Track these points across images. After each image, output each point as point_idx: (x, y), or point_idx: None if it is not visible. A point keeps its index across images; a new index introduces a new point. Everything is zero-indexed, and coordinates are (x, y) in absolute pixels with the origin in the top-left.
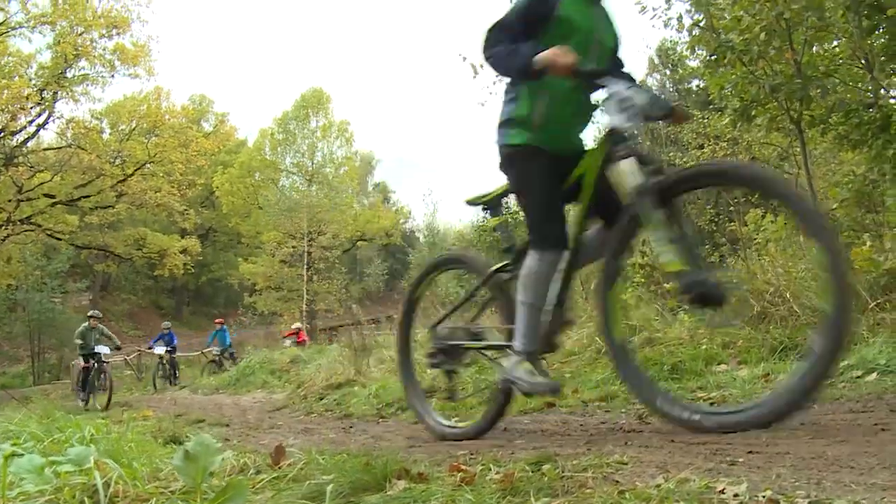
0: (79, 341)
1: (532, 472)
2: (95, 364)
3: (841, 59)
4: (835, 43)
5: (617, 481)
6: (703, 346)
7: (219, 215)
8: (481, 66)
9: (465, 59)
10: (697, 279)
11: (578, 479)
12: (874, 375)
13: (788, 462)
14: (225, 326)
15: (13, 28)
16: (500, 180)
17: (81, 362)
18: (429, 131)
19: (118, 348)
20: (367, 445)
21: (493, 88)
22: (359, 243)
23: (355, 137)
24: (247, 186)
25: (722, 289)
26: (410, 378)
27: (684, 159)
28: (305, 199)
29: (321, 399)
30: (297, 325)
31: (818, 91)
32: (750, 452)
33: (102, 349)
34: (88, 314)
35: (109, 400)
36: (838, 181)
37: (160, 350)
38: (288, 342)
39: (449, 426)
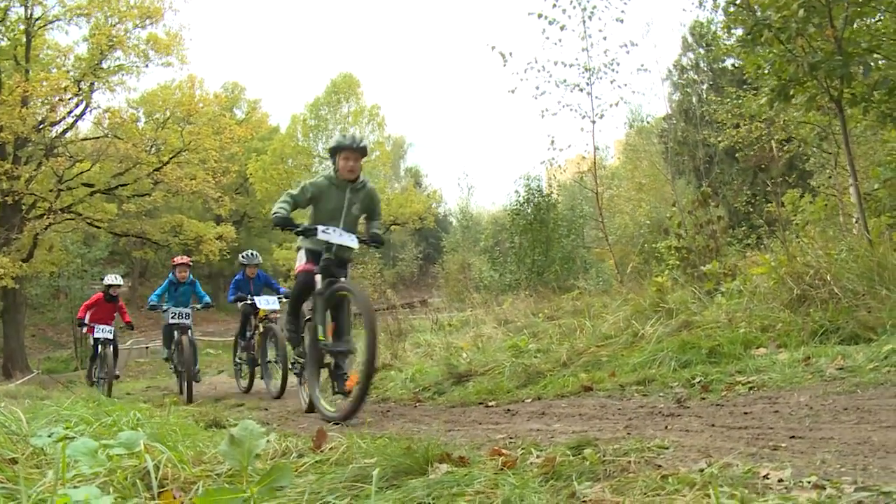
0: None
1: (573, 456)
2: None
3: (884, 34)
4: (878, 17)
5: (659, 466)
6: (742, 330)
7: (253, 201)
8: (510, 55)
9: (493, 48)
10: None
11: (620, 463)
12: None
13: (833, 447)
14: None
15: (51, 21)
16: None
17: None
18: (458, 116)
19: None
20: (406, 429)
21: (523, 76)
22: (392, 227)
23: (386, 122)
24: (280, 173)
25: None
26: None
27: (720, 139)
28: None
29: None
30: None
31: (860, 68)
32: (793, 437)
33: (267, 303)
34: (241, 259)
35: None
36: (881, 160)
37: (271, 304)
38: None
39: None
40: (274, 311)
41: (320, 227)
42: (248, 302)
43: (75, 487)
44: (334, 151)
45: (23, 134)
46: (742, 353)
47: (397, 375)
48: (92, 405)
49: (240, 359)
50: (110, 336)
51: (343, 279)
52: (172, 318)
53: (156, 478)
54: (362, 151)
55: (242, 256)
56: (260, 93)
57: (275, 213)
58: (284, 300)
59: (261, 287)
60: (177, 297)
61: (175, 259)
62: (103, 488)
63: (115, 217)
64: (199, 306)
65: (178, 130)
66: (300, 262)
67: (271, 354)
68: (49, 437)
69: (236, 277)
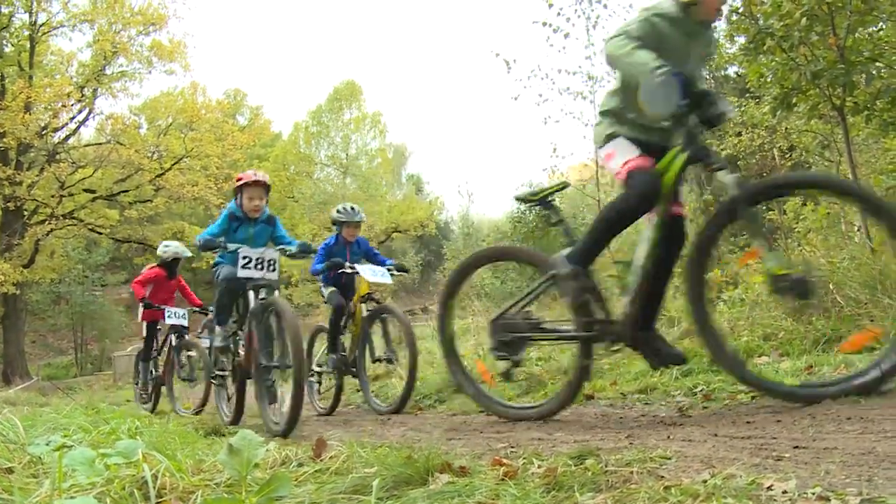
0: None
1: (575, 466)
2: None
3: (886, 43)
4: (880, 26)
5: (662, 476)
6: (744, 338)
7: None
8: (514, 62)
9: (498, 55)
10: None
11: (622, 473)
12: None
13: (837, 458)
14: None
15: (55, 28)
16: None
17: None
18: (460, 124)
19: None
20: (406, 438)
21: (526, 83)
22: (393, 235)
23: (388, 129)
24: (282, 180)
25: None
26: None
27: (721, 146)
28: (340, 191)
29: (358, 391)
30: None
31: (862, 77)
32: (796, 447)
33: (374, 274)
34: (337, 214)
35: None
36: (882, 169)
37: (379, 276)
38: None
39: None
40: (381, 286)
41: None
42: (348, 270)
43: (72, 498)
44: (338, 224)
45: (25, 139)
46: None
47: (398, 383)
48: (91, 413)
49: (319, 365)
50: (185, 322)
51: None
52: (246, 264)
53: (154, 487)
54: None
55: (338, 211)
56: (262, 99)
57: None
58: (397, 273)
59: (360, 257)
60: (242, 242)
61: (243, 175)
62: (100, 498)
63: (116, 223)
64: (294, 249)
65: (181, 137)
66: (621, 156)
67: (379, 351)
68: (47, 445)
69: (327, 241)
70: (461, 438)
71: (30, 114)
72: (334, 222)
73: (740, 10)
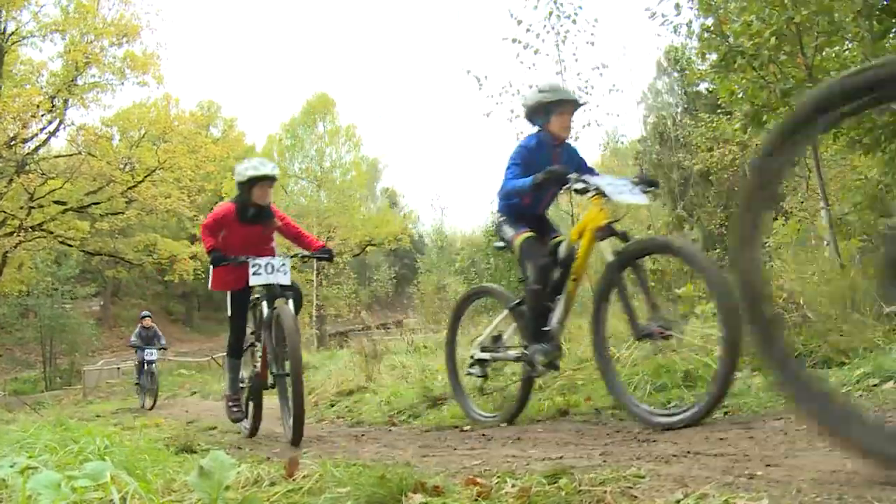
0: None
1: (548, 485)
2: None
3: (852, 62)
4: (846, 46)
5: (635, 496)
6: (717, 353)
7: None
8: (486, 78)
9: (469, 72)
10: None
11: (596, 493)
12: (891, 384)
13: (808, 475)
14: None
15: (25, 37)
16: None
17: None
18: (434, 138)
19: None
20: (380, 455)
21: (498, 99)
22: (367, 248)
23: (362, 142)
24: None
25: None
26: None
27: (694, 162)
28: (314, 204)
29: (332, 406)
30: None
31: None
32: (768, 465)
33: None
34: (544, 94)
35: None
36: (849, 185)
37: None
38: None
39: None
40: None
41: None
42: (577, 185)
43: None
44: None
45: None
46: None
47: (372, 398)
48: (59, 430)
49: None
50: (286, 279)
51: None
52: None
53: None
54: None
55: (541, 91)
56: (236, 111)
57: None
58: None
59: (573, 165)
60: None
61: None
62: None
63: (87, 235)
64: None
65: (153, 149)
66: None
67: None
68: (11, 467)
69: (523, 143)
70: (435, 456)
71: None
72: (532, 113)
73: (711, 29)
